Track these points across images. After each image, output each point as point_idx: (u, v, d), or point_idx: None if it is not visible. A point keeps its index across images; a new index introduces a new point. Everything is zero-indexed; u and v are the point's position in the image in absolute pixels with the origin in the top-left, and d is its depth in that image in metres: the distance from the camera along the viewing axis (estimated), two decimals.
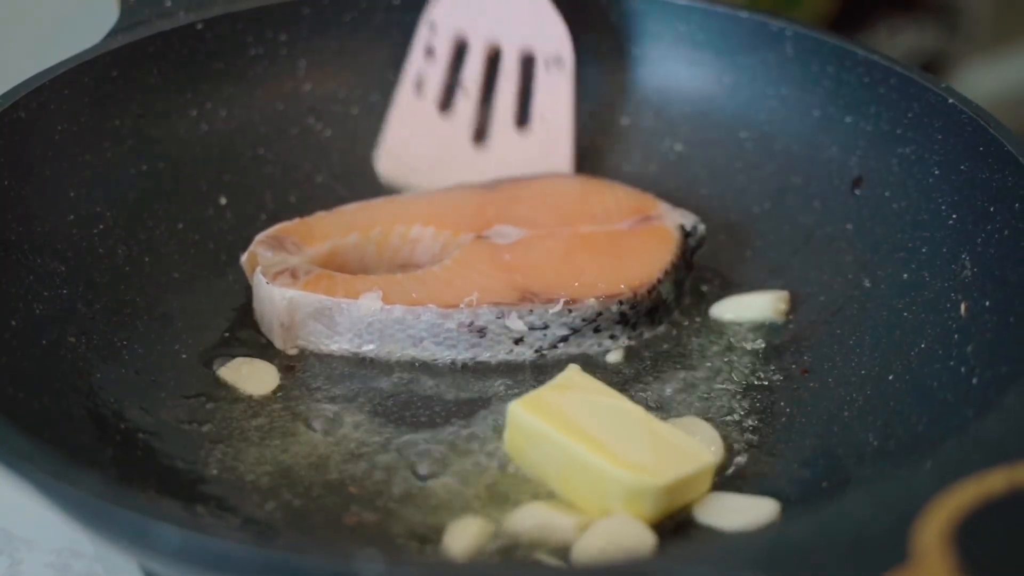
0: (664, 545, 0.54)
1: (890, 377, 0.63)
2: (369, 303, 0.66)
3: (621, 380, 0.66)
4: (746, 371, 0.67)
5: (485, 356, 0.67)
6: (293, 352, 0.67)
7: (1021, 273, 0.58)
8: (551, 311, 0.66)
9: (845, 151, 0.73)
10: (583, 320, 0.67)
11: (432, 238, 0.71)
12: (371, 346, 0.66)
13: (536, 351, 0.67)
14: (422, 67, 0.78)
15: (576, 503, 0.57)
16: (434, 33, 0.78)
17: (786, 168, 0.76)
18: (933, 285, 0.64)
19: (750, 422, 0.64)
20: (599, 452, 0.56)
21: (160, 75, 0.74)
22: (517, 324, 0.66)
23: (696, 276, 0.74)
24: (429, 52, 0.78)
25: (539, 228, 0.71)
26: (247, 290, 0.71)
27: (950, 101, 0.66)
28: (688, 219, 0.72)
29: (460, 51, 0.78)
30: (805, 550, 0.40)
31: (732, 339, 0.70)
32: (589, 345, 0.68)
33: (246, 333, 0.69)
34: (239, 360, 0.66)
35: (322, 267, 0.68)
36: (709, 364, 0.68)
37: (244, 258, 0.68)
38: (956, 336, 0.61)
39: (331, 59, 0.80)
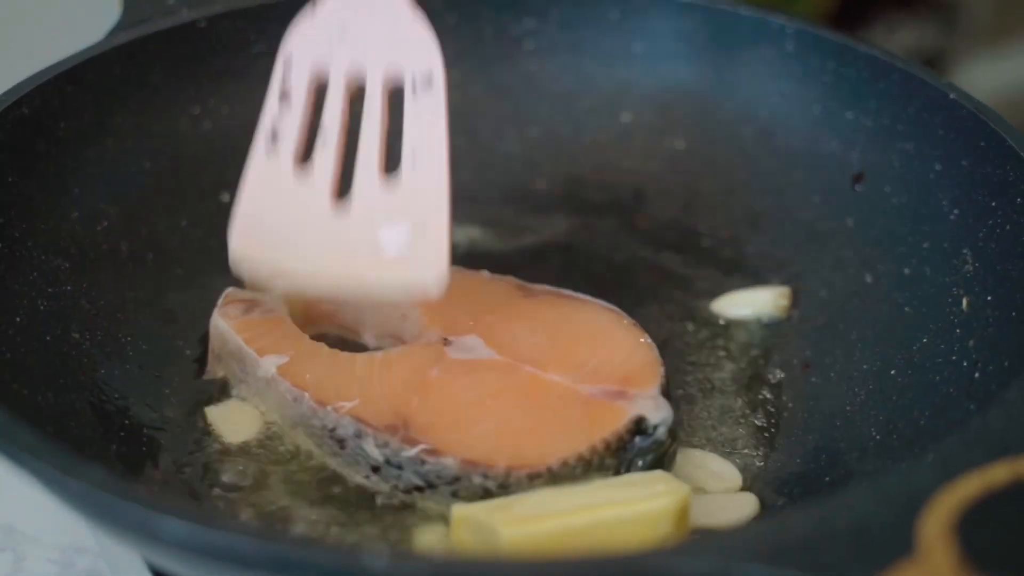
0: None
1: (892, 372, 0.63)
2: (267, 366, 0.61)
3: None
4: (747, 367, 0.68)
5: (345, 471, 0.59)
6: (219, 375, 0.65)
7: (1023, 268, 0.59)
8: (404, 453, 0.57)
9: (846, 147, 0.73)
10: (438, 477, 0.56)
11: (415, 321, 0.65)
12: (264, 408, 0.62)
13: (392, 487, 0.58)
14: (276, 115, 0.62)
15: None
16: (289, 71, 0.63)
17: (787, 164, 0.76)
18: (934, 280, 0.65)
19: (752, 418, 0.64)
20: (610, 509, 0.53)
21: (163, 72, 0.74)
22: (373, 451, 0.58)
23: (696, 272, 0.74)
24: (284, 96, 0.62)
25: (510, 357, 0.62)
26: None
27: (951, 96, 0.67)
28: (657, 415, 0.59)
29: (320, 90, 0.64)
30: (808, 542, 0.40)
31: (733, 334, 0.70)
32: (448, 504, 0.56)
33: None
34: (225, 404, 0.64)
35: (310, 308, 0.65)
36: (710, 360, 0.68)
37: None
38: (958, 331, 0.61)
39: None
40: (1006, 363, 0.56)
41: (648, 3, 0.80)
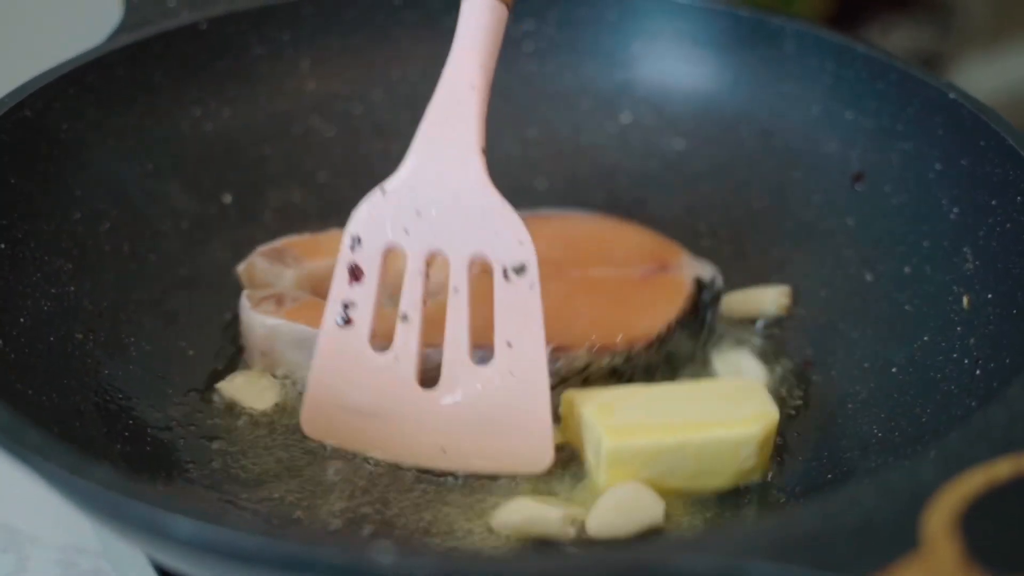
0: (671, 533, 0.55)
1: (893, 370, 0.63)
2: None
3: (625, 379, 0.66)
4: (749, 366, 0.68)
5: None
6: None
7: (1023, 266, 0.59)
8: None
9: (845, 146, 0.73)
10: (569, 369, 0.63)
11: (439, 269, 0.64)
12: None
13: None
14: (348, 294, 0.60)
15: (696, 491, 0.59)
16: (360, 250, 0.60)
17: (787, 164, 0.76)
18: (935, 278, 0.65)
19: None
20: (707, 430, 0.58)
21: (164, 74, 0.74)
22: None
23: None
24: (355, 274, 0.60)
25: (549, 267, 0.62)
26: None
27: (951, 96, 0.67)
28: (707, 271, 0.69)
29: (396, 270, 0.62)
30: (813, 538, 0.40)
31: (734, 334, 0.70)
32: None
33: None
34: (238, 375, 0.65)
35: (320, 284, 0.65)
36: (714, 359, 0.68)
37: (241, 267, 0.67)
38: (959, 328, 0.61)
39: (334, 58, 0.80)
40: (1007, 360, 0.56)
41: (647, 4, 0.80)
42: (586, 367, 0.63)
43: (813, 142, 0.75)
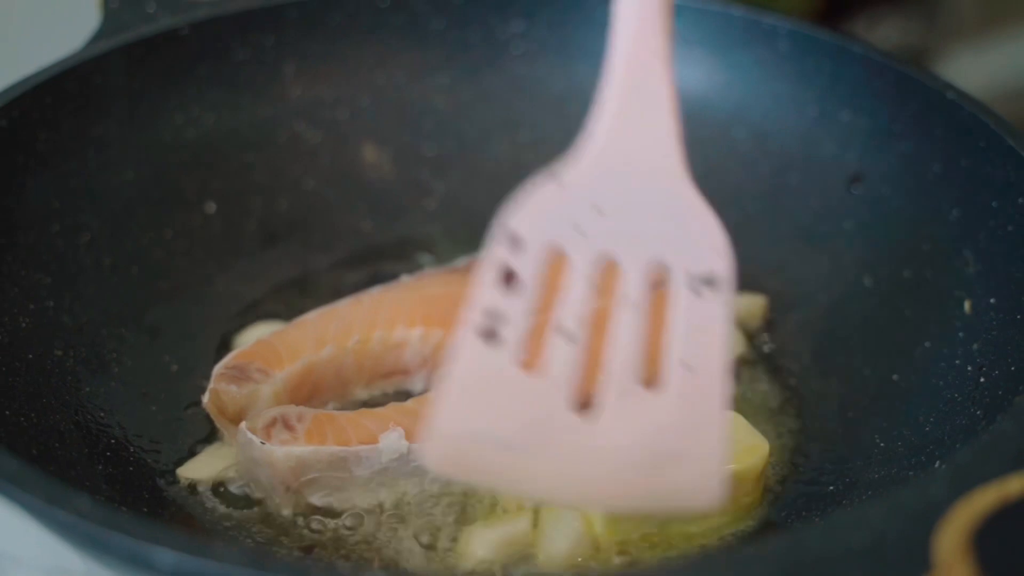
0: (679, 554, 0.53)
1: (894, 377, 0.62)
2: (393, 444, 0.57)
3: None
4: (747, 375, 0.66)
5: None
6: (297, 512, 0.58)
7: None
8: None
9: (842, 148, 0.72)
10: None
11: (420, 340, 0.63)
12: (397, 490, 0.58)
13: None
14: (496, 303, 0.49)
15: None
16: (517, 251, 0.49)
17: (782, 166, 0.75)
18: (935, 283, 0.64)
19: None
20: None
21: (144, 81, 0.72)
22: None
23: None
24: (508, 279, 0.49)
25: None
26: (236, 301, 0.69)
27: (949, 96, 0.65)
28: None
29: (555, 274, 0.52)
30: (824, 560, 0.39)
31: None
32: None
33: (235, 344, 0.67)
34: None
35: (297, 391, 0.61)
36: None
37: (206, 399, 0.59)
38: (961, 334, 0.60)
39: (319, 62, 0.78)
40: (1012, 367, 0.55)
41: None
42: None
43: (809, 144, 0.73)
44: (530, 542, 0.56)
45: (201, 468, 0.59)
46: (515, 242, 0.50)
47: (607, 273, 0.50)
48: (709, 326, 0.50)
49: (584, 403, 0.50)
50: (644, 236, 0.50)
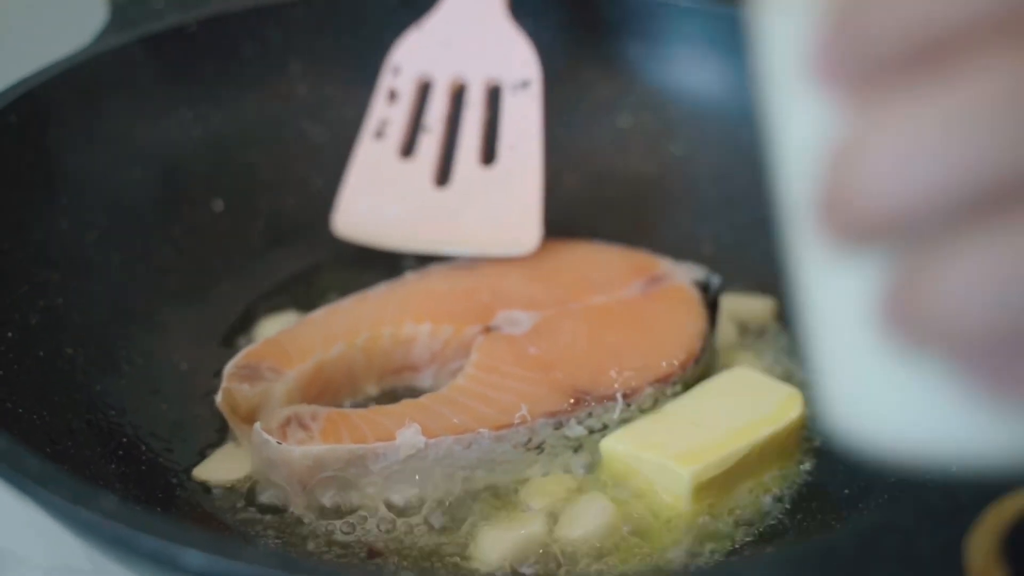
0: (701, 557, 0.53)
1: None
2: (410, 440, 0.57)
3: None
4: (758, 376, 0.66)
5: (537, 473, 0.59)
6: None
7: None
8: (612, 412, 0.60)
9: None
10: (641, 411, 0.61)
11: (429, 336, 0.64)
12: (413, 488, 0.57)
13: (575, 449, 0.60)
14: (384, 112, 0.72)
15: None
16: (397, 75, 0.72)
17: None
18: None
19: None
20: (762, 428, 0.58)
21: (152, 78, 0.72)
22: (577, 431, 0.59)
23: None
24: (392, 96, 0.72)
25: (546, 307, 0.64)
26: (245, 299, 0.69)
27: None
28: (699, 273, 0.68)
29: (424, 92, 0.73)
30: (854, 565, 0.39)
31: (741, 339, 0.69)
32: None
33: (244, 342, 0.67)
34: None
35: (309, 388, 0.61)
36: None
37: (219, 399, 0.59)
38: None
39: (325, 60, 0.78)
40: None
41: (645, 6, 0.79)
42: (653, 403, 0.61)
43: None
44: (544, 543, 0.55)
45: (215, 469, 0.59)
46: (395, 70, 0.73)
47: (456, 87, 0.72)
48: (526, 117, 0.70)
49: (443, 179, 0.71)
50: (479, 59, 0.72)
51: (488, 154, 0.71)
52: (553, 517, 0.56)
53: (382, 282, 0.68)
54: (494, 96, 0.72)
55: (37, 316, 0.61)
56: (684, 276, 0.67)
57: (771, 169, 0.78)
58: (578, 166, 0.78)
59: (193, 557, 0.39)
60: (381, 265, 0.73)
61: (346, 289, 0.70)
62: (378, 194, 0.71)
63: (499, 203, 0.69)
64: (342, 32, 0.78)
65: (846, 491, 0.58)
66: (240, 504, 0.57)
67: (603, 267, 0.67)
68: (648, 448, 0.57)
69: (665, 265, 0.68)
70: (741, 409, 0.59)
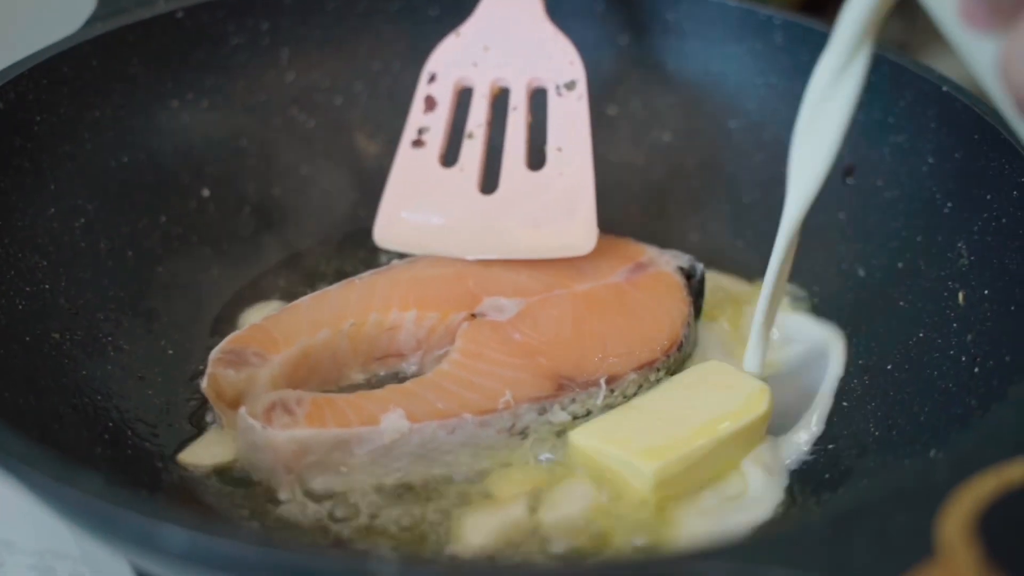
0: (681, 539, 0.54)
1: (888, 367, 0.63)
2: (394, 425, 0.57)
3: None
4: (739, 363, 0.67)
5: (521, 460, 0.59)
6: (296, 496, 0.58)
7: (1020, 261, 0.58)
8: (595, 398, 0.61)
9: None
10: (624, 397, 0.62)
11: (414, 323, 0.64)
12: (398, 472, 0.58)
13: (559, 433, 0.61)
14: (422, 121, 0.71)
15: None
16: (433, 82, 0.71)
17: (776, 157, 0.75)
18: (929, 274, 0.64)
19: None
20: (727, 422, 0.58)
21: (140, 65, 0.72)
22: (561, 416, 0.60)
23: None
24: (429, 103, 0.71)
25: (531, 294, 0.65)
26: (231, 286, 0.69)
27: (944, 89, 0.66)
28: (683, 259, 0.68)
29: (464, 98, 0.72)
30: (828, 544, 0.40)
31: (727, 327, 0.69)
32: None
33: (229, 329, 0.67)
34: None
35: (294, 374, 0.62)
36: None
37: (204, 384, 0.60)
38: (955, 325, 0.60)
39: (314, 48, 0.78)
40: (1007, 357, 0.55)
41: None
42: (637, 389, 0.62)
43: None
44: (527, 528, 0.56)
45: (200, 454, 0.59)
46: (432, 77, 0.71)
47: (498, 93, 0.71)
48: (574, 118, 0.69)
49: (488, 185, 0.70)
50: (521, 62, 0.70)
51: (534, 158, 0.70)
52: (534, 500, 0.57)
53: (369, 270, 0.68)
54: (537, 99, 0.71)
55: (24, 301, 0.61)
56: (669, 263, 0.68)
57: (756, 158, 0.78)
58: None
59: (174, 535, 0.39)
60: (368, 252, 0.73)
61: (332, 275, 0.70)
62: (420, 203, 0.69)
63: (549, 206, 0.68)
64: (330, 20, 0.78)
65: (827, 475, 0.59)
66: (226, 489, 0.58)
67: (589, 254, 0.67)
68: (613, 443, 0.58)
69: (650, 252, 0.69)
70: (708, 404, 0.59)
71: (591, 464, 0.58)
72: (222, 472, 0.58)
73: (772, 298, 0.61)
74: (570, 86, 0.69)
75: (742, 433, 0.59)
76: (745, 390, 0.61)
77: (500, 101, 0.71)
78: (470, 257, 0.68)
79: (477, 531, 0.55)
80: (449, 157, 0.71)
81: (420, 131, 0.70)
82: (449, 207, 0.69)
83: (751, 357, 0.63)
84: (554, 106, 0.69)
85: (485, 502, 0.57)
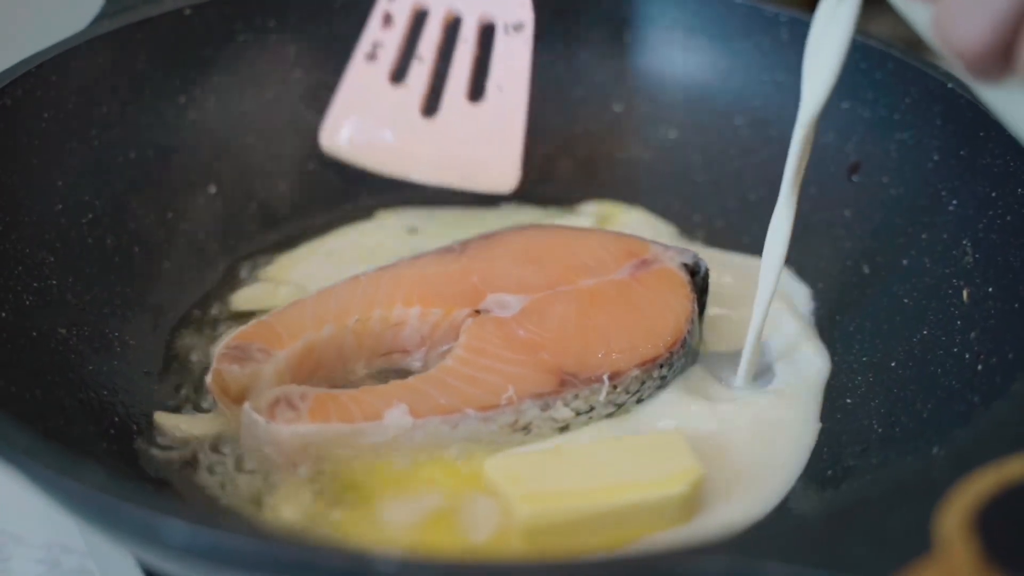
0: (682, 534, 0.54)
1: (892, 364, 0.63)
2: (397, 420, 0.57)
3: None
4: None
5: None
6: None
7: None
8: (598, 394, 0.60)
9: (842, 137, 0.72)
10: (627, 392, 0.62)
11: (419, 319, 0.64)
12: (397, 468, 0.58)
13: (561, 429, 0.61)
14: (378, 36, 0.75)
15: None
16: (393, 1, 0.74)
17: (782, 154, 0.74)
18: (934, 271, 0.64)
19: None
20: (626, 493, 0.54)
21: (148, 62, 0.72)
22: (564, 413, 0.60)
23: None
24: (386, 20, 0.74)
25: (535, 290, 0.65)
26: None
27: (949, 86, 0.66)
28: (687, 256, 0.68)
29: (419, 21, 0.75)
30: (827, 539, 0.40)
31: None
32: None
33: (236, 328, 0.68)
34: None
35: (299, 369, 0.62)
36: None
37: (209, 379, 0.60)
38: (959, 323, 0.60)
39: (321, 45, 0.78)
40: (1010, 355, 0.55)
41: None
42: (640, 386, 0.62)
43: None
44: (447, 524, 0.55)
45: (182, 423, 0.60)
46: None
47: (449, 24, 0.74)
48: (517, 59, 0.72)
49: (429, 109, 0.74)
50: None
51: (475, 91, 0.73)
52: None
53: (373, 265, 0.68)
54: (486, 34, 0.73)
55: (31, 297, 0.61)
56: (673, 260, 0.68)
57: (762, 155, 0.78)
58: (572, 150, 0.79)
59: (176, 529, 0.40)
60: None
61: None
62: (366, 115, 0.74)
63: (482, 140, 0.72)
64: (336, 17, 0.78)
65: (829, 472, 0.59)
66: (230, 483, 0.58)
67: (593, 250, 0.67)
68: (510, 479, 0.55)
69: (655, 248, 0.69)
70: (627, 469, 0.56)
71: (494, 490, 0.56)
72: (227, 466, 0.59)
73: (773, 284, 0.61)
74: (518, 27, 0.72)
75: (647, 508, 0.55)
76: (674, 467, 0.56)
77: (451, 30, 0.74)
78: (403, 177, 0.74)
79: (395, 513, 0.55)
80: (398, 75, 0.74)
81: (375, 45, 0.74)
82: (391, 123, 0.74)
83: (741, 371, 0.63)
84: (500, 44, 0.73)
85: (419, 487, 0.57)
